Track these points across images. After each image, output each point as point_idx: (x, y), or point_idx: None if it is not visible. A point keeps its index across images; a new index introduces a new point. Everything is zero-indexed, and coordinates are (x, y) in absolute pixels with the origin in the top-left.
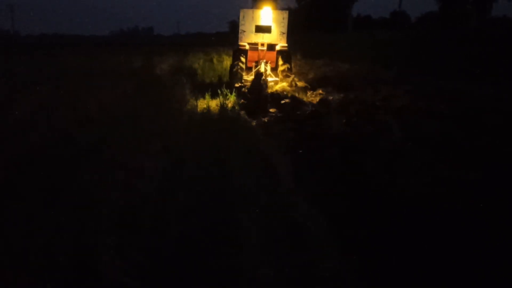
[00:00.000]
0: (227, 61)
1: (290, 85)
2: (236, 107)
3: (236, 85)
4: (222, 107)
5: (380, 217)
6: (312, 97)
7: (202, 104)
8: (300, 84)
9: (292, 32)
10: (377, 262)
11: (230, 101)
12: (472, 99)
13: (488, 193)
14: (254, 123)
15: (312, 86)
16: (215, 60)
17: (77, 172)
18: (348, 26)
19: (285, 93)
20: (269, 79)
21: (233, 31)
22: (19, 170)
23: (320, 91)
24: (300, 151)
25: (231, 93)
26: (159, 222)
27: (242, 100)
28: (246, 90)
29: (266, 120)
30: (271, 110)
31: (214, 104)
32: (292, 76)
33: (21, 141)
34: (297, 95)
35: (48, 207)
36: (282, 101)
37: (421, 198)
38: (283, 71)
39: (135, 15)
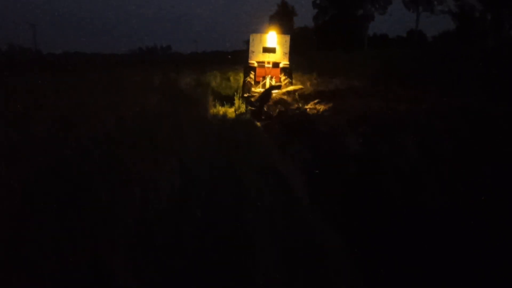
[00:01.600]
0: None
1: (289, 95)
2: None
3: (246, 95)
4: (238, 110)
5: (398, 236)
6: (310, 106)
7: (221, 110)
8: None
9: (307, 51)
10: (395, 282)
11: (241, 108)
12: (490, 117)
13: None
14: (259, 124)
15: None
16: (232, 78)
17: (93, 189)
18: (364, 45)
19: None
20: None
21: (248, 50)
22: (36, 186)
23: (316, 101)
24: (317, 171)
25: (243, 103)
26: (174, 239)
27: (249, 107)
28: (254, 100)
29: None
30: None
31: (229, 110)
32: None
33: (38, 157)
34: (297, 105)
35: (63, 224)
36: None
37: (440, 218)
38: (285, 84)
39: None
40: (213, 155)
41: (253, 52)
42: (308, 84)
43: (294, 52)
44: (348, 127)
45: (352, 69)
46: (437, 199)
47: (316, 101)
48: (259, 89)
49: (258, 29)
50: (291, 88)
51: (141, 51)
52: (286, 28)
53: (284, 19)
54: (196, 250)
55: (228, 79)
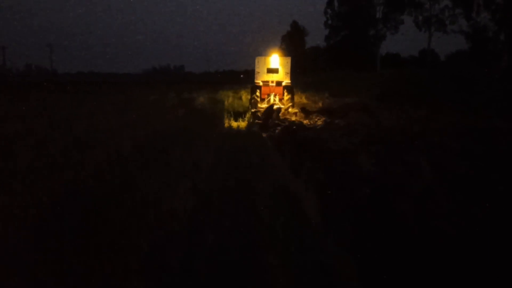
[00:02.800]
0: None
1: (290, 110)
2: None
3: (253, 110)
4: (248, 123)
5: (412, 261)
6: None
7: (234, 124)
8: (298, 110)
9: (319, 70)
10: None
11: (244, 122)
12: (505, 138)
13: None
14: (264, 135)
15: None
16: (243, 98)
17: (107, 211)
18: (377, 64)
19: (288, 117)
20: (276, 106)
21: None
22: (52, 208)
23: (315, 116)
24: (329, 191)
25: (251, 117)
26: (187, 263)
27: (257, 121)
28: (260, 114)
29: (271, 134)
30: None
31: (242, 124)
32: (291, 104)
33: (55, 178)
34: (297, 118)
35: (78, 248)
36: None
37: (456, 243)
38: (287, 100)
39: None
40: (226, 176)
41: (259, 72)
42: (320, 103)
43: (305, 71)
44: (360, 146)
45: (364, 89)
46: (453, 223)
47: (315, 115)
48: (264, 105)
49: (270, 49)
50: (290, 108)
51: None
52: (297, 47)
53: (295, 39)
54: (209, 273)
55: (240, 98)
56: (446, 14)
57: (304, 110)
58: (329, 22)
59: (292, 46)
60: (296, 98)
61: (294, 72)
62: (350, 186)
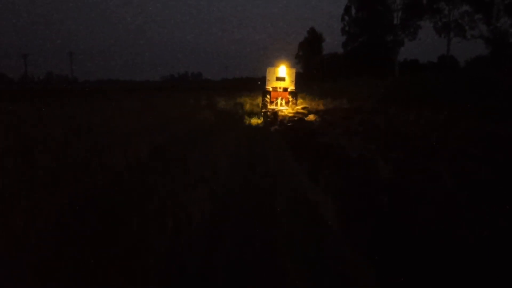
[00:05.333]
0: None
1: (293, 110)
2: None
3: (263, 110)
4: (264, 121)
5: (433, 271)
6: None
7: (252, 122)
8: (300, 111)
9: (338, 77)
10: None
11: (261, 120)
12: None
13: None
14: (272, 129)
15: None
16: (260, 104)
17: (127, 218)
18: (395, 70)
19: (289, 115)
20: (282, 108)
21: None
22: (72, 214)
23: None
24: (348, 199)
25: (262, 117)
26: (205, 270)
27: (266, 119)
28: (269, 114)
29: (277, 128)
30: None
31: (257, 121)
32: (294, 105)
33: (75, 185)
34: (297, 117)
35: (98, 254)
36: (283, 119)
37: (480, 254)
38: (292, 101)
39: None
40: (243, 181)
41: (269, 80)
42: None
43: (323, 78)
44: (379, 152)
45: (382, 95)
46: (475, 231)
47: (313, 115)
48: (273, 106)
49: (284, 58)
50: (299, 107)
51: (173, 77)
52: (315, 54)
53: (313, 46)
54: (228, 281)
55: (258, 106)
56: (466, 19)
57: (307, 109)
58: (346, 28)
59: (310, 52)
60: (314, 104)
61: (312, 78)
62: (366, 192)
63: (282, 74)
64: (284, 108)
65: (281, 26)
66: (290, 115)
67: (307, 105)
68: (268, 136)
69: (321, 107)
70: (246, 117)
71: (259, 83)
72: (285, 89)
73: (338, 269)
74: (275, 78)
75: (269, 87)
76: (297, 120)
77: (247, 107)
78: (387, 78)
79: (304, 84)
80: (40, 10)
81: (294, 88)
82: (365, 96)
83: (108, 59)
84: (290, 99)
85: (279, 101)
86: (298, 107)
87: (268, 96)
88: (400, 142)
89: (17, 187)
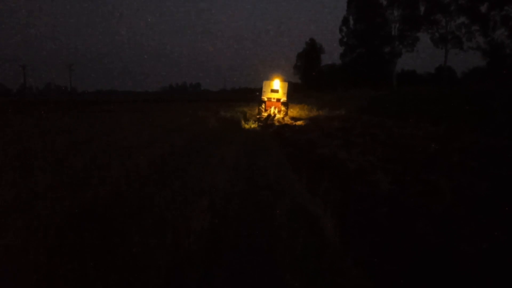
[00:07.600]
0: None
1: (283, 118)
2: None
3: (258, 117)
4: (258, 125)
5: (433, 284)
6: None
7: (250, 126)
8: (287, 118)
9: (337, 88)
10: None
11: (256, 124)
12: None
13: None
14: (267, 131)
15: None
16: (257, 111)
17: (127, 230)
18: (393, 82)
19: (279, 121)
20: (274, 115)
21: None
22: (71, 227)
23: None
24: (348, 212)
25: (257, 121)
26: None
27: (260, 124)
28: (262, 119)
29: (271, 130)
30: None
31: (252, 125)
32: (284, 113)
33: (74, 197)
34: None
35: (97, 267)
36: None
37: (479, 266)
38: (283, 111)
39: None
40: (243, 193)
41: (264, 91)
42: (336, 122)
43: (322, 89)
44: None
45: (380, 106)
46: (474, 245)
47: (301, 121)
48: (266, 113)
49: (277, 72)
50: (285, 117)
51: (172, 88)
52: (313, 65)
53: (312, 57)
54: None
55: (255, 114)
56: (463, 30)
57: (294, 118)
58: (345, 39)
59: (308, 63)
60: (312, 113)
61: (311, 88)
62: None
63: (276, 87)
64: (276, 116)
65: (279, 38)
66: (282, 121)
67: (298, 113)
68: (264, 138)
69: (313, 114)
70: (242, 122)
71: (257, 93)
72: (278, 100)
73: (339, 282)
74: (270, 90)
75: (264, 98)
76: (287, 125)
77: (247, 115)
78: (385, 89)
79: (303, 96)
80: (39, 21)
81: (286, 99)
82: (363, 107)
83: (107, 70)
84: (282, 108)
85: (272, 109)
86: (288, 116)
87: (263, 105)
88: (398, 154)
89: (17, 200)
